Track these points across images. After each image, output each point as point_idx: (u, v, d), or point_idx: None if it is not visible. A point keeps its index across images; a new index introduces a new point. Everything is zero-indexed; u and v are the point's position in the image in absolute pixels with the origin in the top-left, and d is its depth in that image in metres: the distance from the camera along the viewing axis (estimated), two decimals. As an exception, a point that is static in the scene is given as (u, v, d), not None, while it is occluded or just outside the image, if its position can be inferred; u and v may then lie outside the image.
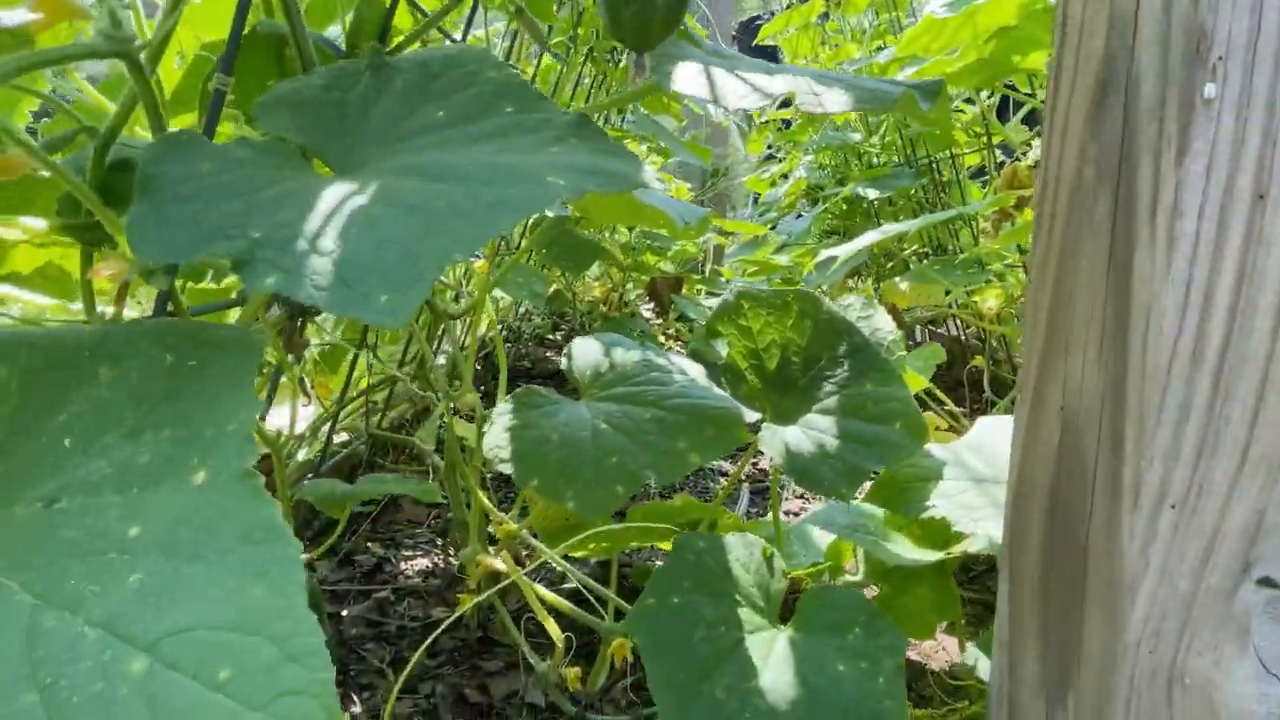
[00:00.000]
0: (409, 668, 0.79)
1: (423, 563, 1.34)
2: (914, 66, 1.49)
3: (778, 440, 0.80)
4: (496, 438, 0.70)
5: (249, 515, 0.36)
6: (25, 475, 0.40)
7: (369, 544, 1.37)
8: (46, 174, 0.57)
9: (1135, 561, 0.39)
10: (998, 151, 1.93)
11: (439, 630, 0.83)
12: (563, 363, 0.82)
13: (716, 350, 0.86)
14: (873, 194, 2.35)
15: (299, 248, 0.42)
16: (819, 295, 0.88)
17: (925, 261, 2.13)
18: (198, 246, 0.41)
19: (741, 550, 0.75)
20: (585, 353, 0.81)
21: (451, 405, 0.99)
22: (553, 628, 0.91)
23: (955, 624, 1.03)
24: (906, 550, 0.90)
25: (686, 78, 0.53)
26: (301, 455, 1.25)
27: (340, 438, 1.49)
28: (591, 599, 0.95)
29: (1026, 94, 1.69)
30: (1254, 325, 0.35)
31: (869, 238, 1.49)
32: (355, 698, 1.00)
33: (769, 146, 4.18)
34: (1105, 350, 0.41)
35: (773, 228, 3.37)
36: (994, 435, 0.92)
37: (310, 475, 1.10)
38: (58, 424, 0.41)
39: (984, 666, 0.73)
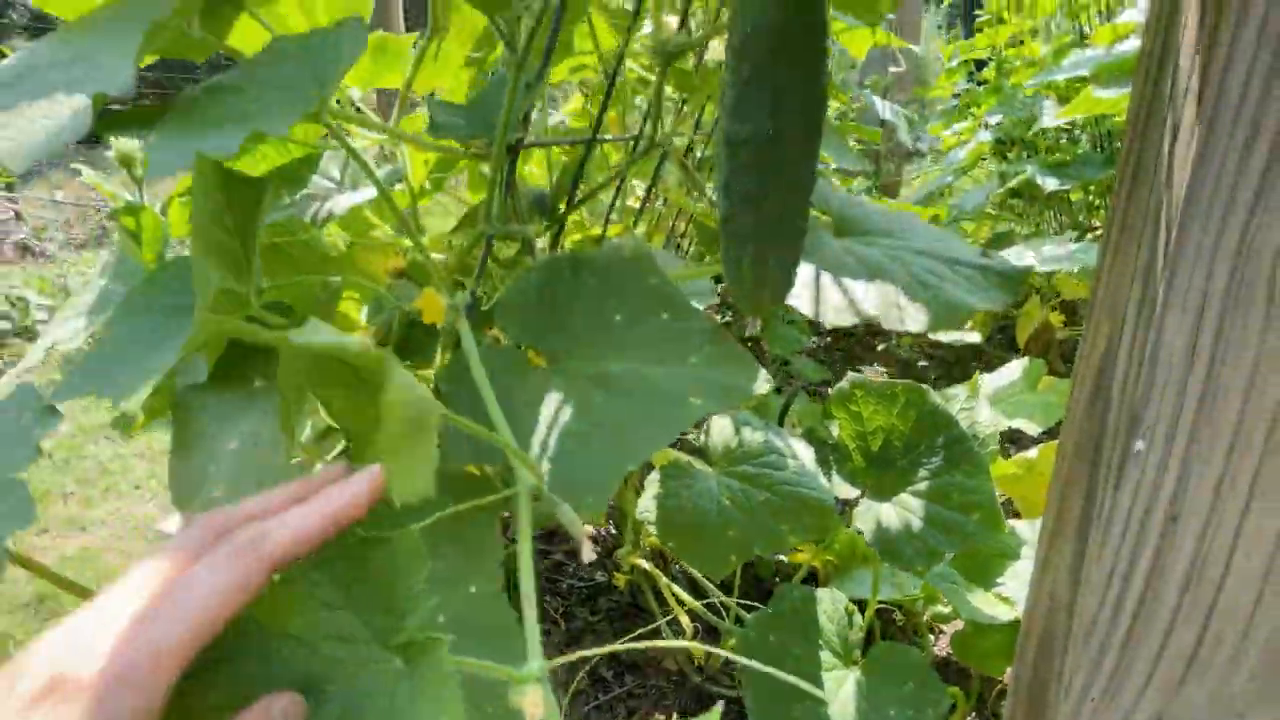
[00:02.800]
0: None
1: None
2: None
3: (872, 515, 0.97)
4: (647, 503, 0.94)
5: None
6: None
7: (548, 509, 1.70)
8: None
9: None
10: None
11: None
12: (700, 438, 1.04)
13: (830, 430, 1.04)
14: (1051, 185, 2.26)
15: (535, 452, 0.66)
16: (925, 389, 1.02)
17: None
18: (468, 459, 0.67)
19: (829, 604, 0.95)
20: (720, 429, 1.02)
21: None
22: (685, 620, 1.18)
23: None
24: (985, 605, 1.06)
25: (796, 294, 0.70)
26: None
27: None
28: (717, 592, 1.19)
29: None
30: (1158, 610, 0.50)
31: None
32: (536, 640, 1.33)
33: (955, 95, 3.95)
34: (1074, 567, 0.57)
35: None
36: (1080, 519, 1.03)
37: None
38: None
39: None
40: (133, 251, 0.95)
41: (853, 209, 0.87)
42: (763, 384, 0.73)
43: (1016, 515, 1.72)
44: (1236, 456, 0.46)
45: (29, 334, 4.14)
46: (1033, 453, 1.65)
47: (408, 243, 1.02)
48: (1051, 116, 1.79)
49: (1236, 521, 0.48)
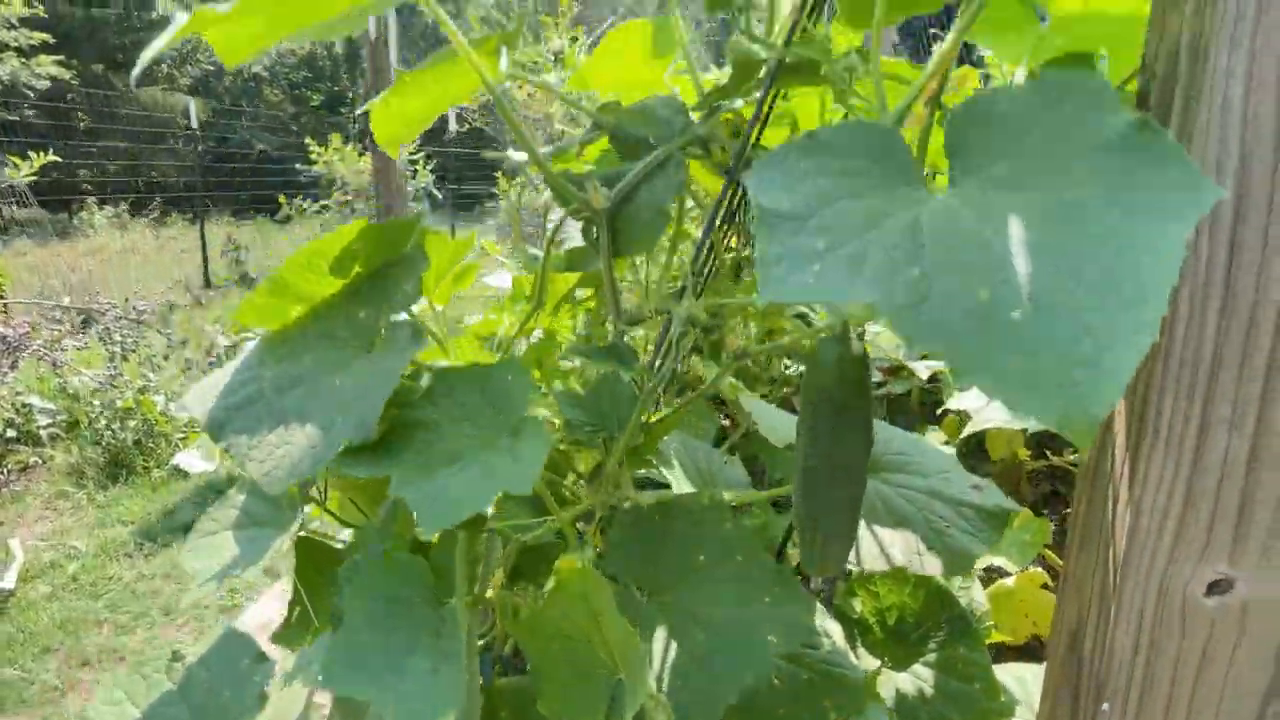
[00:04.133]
0: None
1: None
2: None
3: (892, 684, 1.17)
4: (708, 682, 1.13)
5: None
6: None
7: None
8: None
9: None
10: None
11: None
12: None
13: (853, 605, 1.25)
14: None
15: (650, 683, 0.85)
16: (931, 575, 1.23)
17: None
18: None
19: (862, 764, 1.14)
20: (763, 610, 1.22)
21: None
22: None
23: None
24: (986, 752, 1.25)
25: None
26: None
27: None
28: None
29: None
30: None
31: (997, 418, 1.79)
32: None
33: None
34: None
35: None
36: (1061, 677, 1.25)
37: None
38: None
39: None
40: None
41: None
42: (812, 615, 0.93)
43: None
44: (1170, 715, 0.68)
45: (33, 439, 4.21)
46: (1010, 581, 1.87)
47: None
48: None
49: (1174, 756, 0.69)
